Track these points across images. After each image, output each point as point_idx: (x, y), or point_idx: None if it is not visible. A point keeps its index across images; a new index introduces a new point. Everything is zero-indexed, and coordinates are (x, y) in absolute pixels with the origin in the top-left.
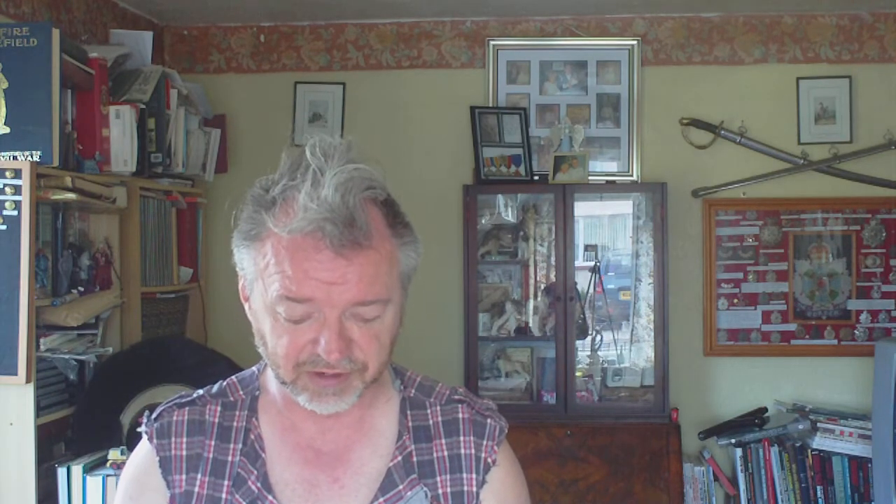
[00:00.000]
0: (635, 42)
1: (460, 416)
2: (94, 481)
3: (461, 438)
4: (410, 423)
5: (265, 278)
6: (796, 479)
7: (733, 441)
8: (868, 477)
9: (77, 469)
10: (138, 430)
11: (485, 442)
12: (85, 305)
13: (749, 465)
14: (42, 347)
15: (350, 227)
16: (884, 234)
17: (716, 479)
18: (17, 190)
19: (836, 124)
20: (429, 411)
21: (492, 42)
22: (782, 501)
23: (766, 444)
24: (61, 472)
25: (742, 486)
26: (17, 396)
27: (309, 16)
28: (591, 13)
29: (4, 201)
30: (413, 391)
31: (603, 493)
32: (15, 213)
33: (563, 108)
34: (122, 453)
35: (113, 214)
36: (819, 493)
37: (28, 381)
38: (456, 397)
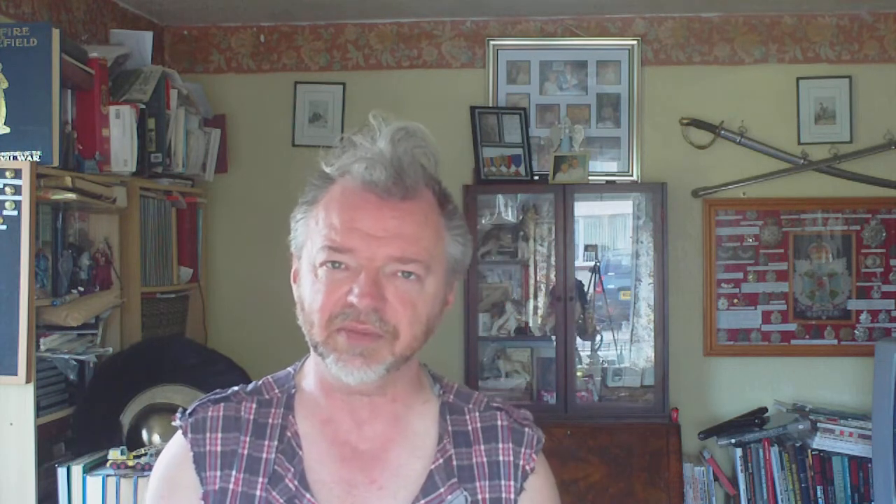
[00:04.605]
0: (635, 42)
1: (499, 423)
2: (94, 481)
3: (500, 445)
4: (450, 428)
5: (313, 236)
6: (796, 479)
7: (733, 441)
8: (868, 477)
9: (77, 469)
10: (173, 424)
11: (523, 450)
12: (85, 305)
13: (749, 465)
14: (42, 347)
15: (398, 176)
16: (884, 234)
17: (716, 479)
18: (17, 190)
19: (836, 124)
20: (467, 417)
21: (492, 42)
22: (782, 501)
23: (766, 444)
24: (61, 472)
25: (742, 486)
26: (17, 396)
27: (309, 16)
28: (591, 13)
29: (4, 201)
30: (452, 396)
31: (603, 493)
32: (15, 213)
33: (563, 108)
34: (122, 453)
35: (113, 214)
36: (819, 493)
37: (28, 381)
38: (494, 405)
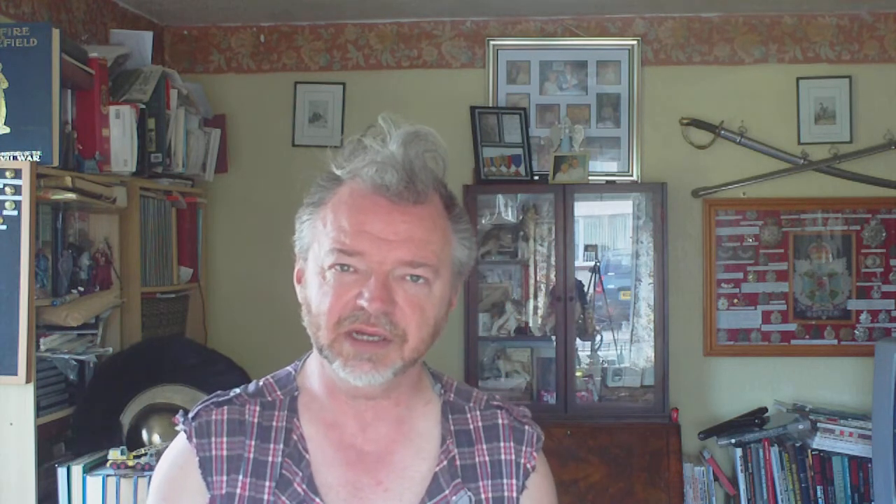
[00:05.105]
0: (635, 42)
1: (500, 421)
2: (94, 481)
3: (501, 444)
4: (453, 427)
5: (320, 238)
6: (796, 479)
7: (733, 441)
8: (868, 477)
9: (77, 469)
10: (176, 428)
11: (524, 448)
12: (85, 305)
13: (749, 465)
14: (42, 347)
15: (409, 180)
16: (884, 234)
17: (716, 479)
18: (17, 190)
19: (836, 124)
20: (469, 416)
21: (492, 42)
22: (782, 501)
23: (766, 444)
24: (61, 472)
25: (742, 486)
26: (17, 396)
27: (309, 16)
28: (591, 13)
29: (4, 201)
30: (452, 395)
31: (603, 493)
32: (15, 213)
33: (563, 108)
34: (122, 453)
35: (113, 214)
36: (819, 493)
37: (28, 381)
38: (494, 403)
